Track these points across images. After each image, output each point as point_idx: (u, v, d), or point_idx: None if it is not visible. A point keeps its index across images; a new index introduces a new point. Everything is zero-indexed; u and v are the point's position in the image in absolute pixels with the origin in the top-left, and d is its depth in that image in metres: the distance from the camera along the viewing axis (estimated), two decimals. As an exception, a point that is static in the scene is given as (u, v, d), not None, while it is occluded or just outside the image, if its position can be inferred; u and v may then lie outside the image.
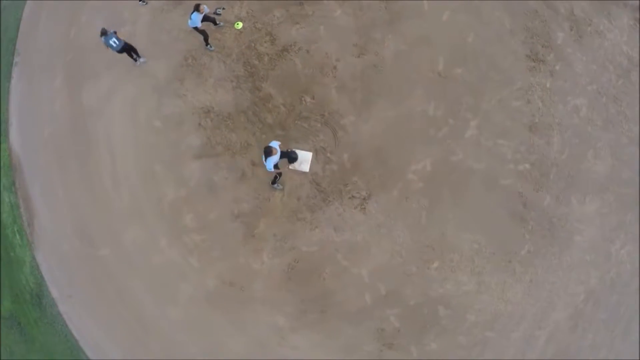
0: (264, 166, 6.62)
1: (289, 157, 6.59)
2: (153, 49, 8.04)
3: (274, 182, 7.19)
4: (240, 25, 7.84)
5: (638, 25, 8.67)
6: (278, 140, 6.92)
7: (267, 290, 7.30)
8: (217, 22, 7.85)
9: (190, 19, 7.04)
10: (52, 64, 8.34)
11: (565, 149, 7.73)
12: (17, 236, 8.33)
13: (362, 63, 7.77)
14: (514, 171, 7.51)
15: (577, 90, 8.00)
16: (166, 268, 7.53)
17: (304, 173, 7.44)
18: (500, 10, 8.12)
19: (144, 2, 8.04)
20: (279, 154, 6.45)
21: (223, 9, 7.26)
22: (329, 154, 7.49)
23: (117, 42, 7.27)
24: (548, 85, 7.94)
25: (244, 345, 7.21)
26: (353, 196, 7.42)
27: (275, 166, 6.56)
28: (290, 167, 7.31)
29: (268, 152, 6.43)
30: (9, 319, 7.98)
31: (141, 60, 7.84)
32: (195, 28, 7.26)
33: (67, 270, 7.78)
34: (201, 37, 7.56)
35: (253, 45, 7.89)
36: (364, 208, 7.38)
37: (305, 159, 7.35)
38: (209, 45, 7.79)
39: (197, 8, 6.98)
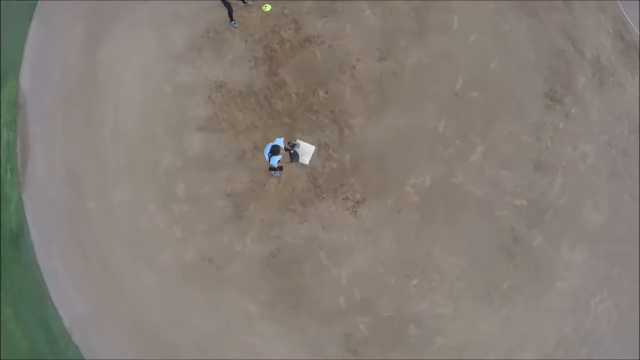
0: (265, 155, 6.64)
1: (292, 155, 6.63)
2: (178, 14, 8.01)
3: (272, 170, 7.13)
4: (268, 7, 7.80)
5: None
6: (284, 128, 6.87)
7: (244, 274, 7.25)
8: (246, 0, 7.81)
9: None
10: (77, 10, 8.30)
11: (565, 193, 7.68)
12: (9, 174, 8.29)
13: (382, 67, 7.73)
14: (511, 204, 7.45)
15: (588, 137, 7.96)
16: (149, 232, 7.49)
17: (304, 166, 7.39)
18: (527, 43, 8.08)
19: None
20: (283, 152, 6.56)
21: None
22: (331, 151, 7.44)
23: None
24: (561, 126, 7.89)
25: (209, 323, 7.18)
26: (347, 197, 7.37)
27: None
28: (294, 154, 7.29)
29: (275, 151, 6.45)
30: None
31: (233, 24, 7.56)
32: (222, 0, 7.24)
33: (51, 216, 7.75)
34: (226, 12, 7.52)
35: (277, 30, 7.85)
36: (356, 211, 7.32)
37: (307, 151, 7.31)
38: (233, 22, 7.75)
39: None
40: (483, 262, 7.23)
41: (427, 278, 7.18)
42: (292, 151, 7.03)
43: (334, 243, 7.29)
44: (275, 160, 6.52)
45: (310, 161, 7.39)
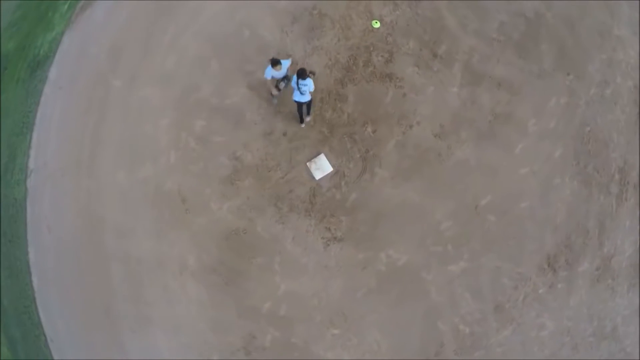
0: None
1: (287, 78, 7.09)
2: None
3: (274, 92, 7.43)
4: (377, 24, 8.55)
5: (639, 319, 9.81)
6: (318, 135, 7.73)
7: (203, 230, 8.07)
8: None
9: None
10: None
11: (505, 344, 8.74)
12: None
13: (433, 142, 8.42)
14: (455, 325, 8.48)
15: (556, 315, 8.98)
16: (148, 140, 8.13)
17: (312, 178, 8.35)
18: (563, 205, 8.86)
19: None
20: (282, 72, 6.88)
21: None
22: (343, 183, 8.31)
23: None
24: (540, 291, 8.92)
25: (148, 248, 7.94)
26: (329, 228, 8.27)
27: (277, 87, 7.07)
28: (307, 163, 8.19)
29: (274, 62, 6.78)
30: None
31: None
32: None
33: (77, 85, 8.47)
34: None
35: (370, 49, 8.58)
36: (328, 245, 8.22)
37: (323, 169, 8.19)
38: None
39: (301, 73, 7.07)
40: (399, 353, 8.28)
41: (347, 335, 8.09)
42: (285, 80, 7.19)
43: (293, 257, 8.14)
44: (269, 74, 6.90)
45: (320, 179, 8.31)
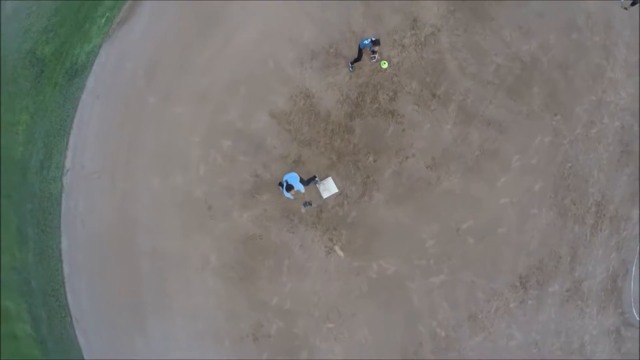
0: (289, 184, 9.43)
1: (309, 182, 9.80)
2: (325, 17, 11.01)
3: (304, 204, 10.06)
4: (385, 65, 11.39)
5: (613, 339, 12.72)
6: (327, 161, 10.77)
7: (224, 234, 10.79)
8: (373, 57, 11.44)
9: (363, 43, 9.80)
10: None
11: (476, 349, 11.76)
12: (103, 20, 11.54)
13: (424, 173, 10.69)
14: (432, 329, 11.37)
15: (525, 327, 11.88)
16: (180, 153, 10.52)
17: (320, 196, 11.49)
18: (538, 232, 11.05)
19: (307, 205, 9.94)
20: (297, 187, 9.26)
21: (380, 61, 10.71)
22: (346, 202, 11.25)
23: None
24: (511, 305, 11.91)
25: (173, 248, 10.41)
26: (331, 239, 11.20)
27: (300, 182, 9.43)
28: (316, 185, 11.31)
29: (288, 188, 9.17)
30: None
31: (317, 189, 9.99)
32: (360, 50, 10.06)
33: (114, 89, 10.94)
34: (355, 57, 10.19)
35: (377, 88, 11.45)
36: (329, 253, 11.21)
37: (329, 190, 11.11)
38: (351, 67, 10.82)
39: (376, 43, 9.76)
40: (383, 349, 11.03)
41: (340, 329, 10.74)
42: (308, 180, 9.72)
43: (299, 260, 10.94)
44: (286, 194, 9.31)
45: (326, 199, 11.18)
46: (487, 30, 11.13)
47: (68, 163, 11.00)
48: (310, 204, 10.13)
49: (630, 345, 12.25)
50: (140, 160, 10.76)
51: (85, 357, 10.79)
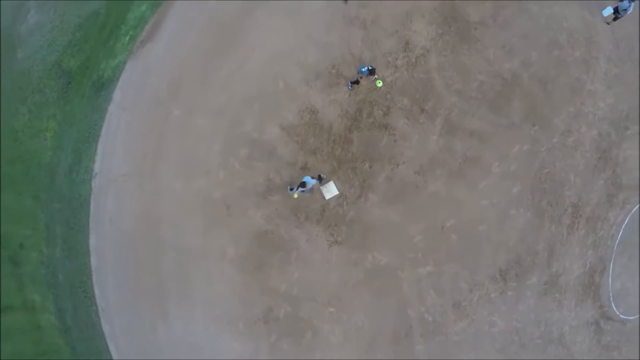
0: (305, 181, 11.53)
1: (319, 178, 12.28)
2: (328, 41, 13.13)
3: (292, 189, 11.93)
4: (380, 84, 13.71)
5: (593, 330, 14.07)
6: (329, 167, 13.19)
7: (241, 230, 12.93)
8: (373, 77, 13.63)
9: (361, 70, 11.92)
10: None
11: (461, 334, 13.85)
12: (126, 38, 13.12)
13: (413, 178, 12.45)
14: (421, 314, 13.41)
15: (505, 316, 13.72)
16: (202, 159, 12.56)
17: (323, 197, 13.88)
18: (516, 231, 12.61)
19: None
20: (310, 185, 11.50)
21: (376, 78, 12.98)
22: (345, 203, 13.52)
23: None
24: (492, 295, 13.91)
25: (194, 242, 12.43)
26: (332, 234, 13.51)
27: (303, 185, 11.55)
28: (320, 187, 13.70)
29: (302, 184, 11.35)
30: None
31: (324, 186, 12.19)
32: (354, 82, 12.31)
33: (138, 106, 13.02)
34: (354, 79, 12.35)
35: (373, 104, 13.65)
36: (331, 246, 13.29)
37: (331, 192, 13.38)
38: (350, 86, 13.10)
39: (372, 72, 11.94)
40: (377, 331, 13.36)
41: (340, 313, 12.87)
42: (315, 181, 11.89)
43: (305, 253, 13.15)
44: (298, 190, 11.42)
45: (329, 199, 13.67)
46: (472, 51, 13.10)
47: (97, 167, 12.88)
48: (321, 178, 12.11)
49: (610, 338, 13.86)
50: (165, 165, 12.79)
51: (109, 343, 12.62)
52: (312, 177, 11.66)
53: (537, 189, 13.03)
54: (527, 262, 13.01)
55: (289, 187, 11.95)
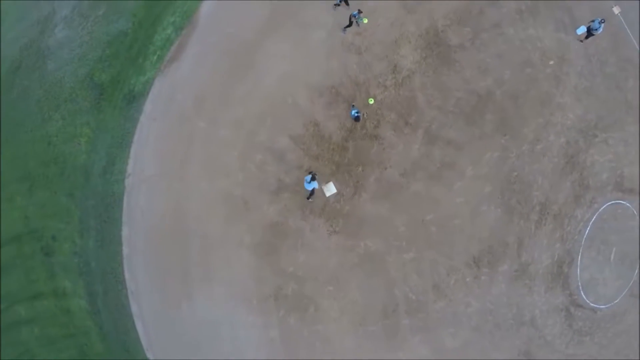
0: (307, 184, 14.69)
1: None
2: (329, 67, 16.71)
3: (308, 197, 15.34)
4: (372, 101, 17.12)
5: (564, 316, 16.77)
6: (328, 170, 16.88)
7: (255, 221, 16.00)
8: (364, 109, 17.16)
9: (351, 114, 15.51)
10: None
11: (440, 312, 16.84)
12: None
13: (398, 180, 15.13)
14: (406, 293, 16.43)
15: (480, 298, 16.26)
16: (224, 163, 15.71)
17: (324, 195, 17.51)
18: (487, 226, 15.20)
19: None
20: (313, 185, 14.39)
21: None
22: (342, 200, 16.60)
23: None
24: (467, 280, 17.03)
25: (216, 232, 15.26)
26: (331, 225, 16.78)
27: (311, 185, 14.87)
28: (322, 187, 17.31)
29: (313, 177, 14.44)
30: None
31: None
32: (355, 118, 15.38)
33: (169, 112, 17.33)
34: (354, 123, 15.29)
35: (365, 118, 16.88)
36: (330, 235, 16.44)
37: (331, 190, 16.75)
38: (356, 114, 16.06)
39: (357, 119, 15.34)
40: (369, 306, 16.28)
41: (338, 291, 15.78)
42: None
43: (309, 241, 16.19)
44: (310, 186, 15.14)
45: (329, 196, 17.20)
46: (451, 72, 16.31)
47: (130, 168, 15.59)
48: (314, 176, 15.28)
49: (581, 323, 16.10)
50: (193, 167, 15.70)
51: (136, 321, 14.81)
52: (309, 173, 14.50)
53: (506, 189, 15.51)
54: (498, 252, 15.45)
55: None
